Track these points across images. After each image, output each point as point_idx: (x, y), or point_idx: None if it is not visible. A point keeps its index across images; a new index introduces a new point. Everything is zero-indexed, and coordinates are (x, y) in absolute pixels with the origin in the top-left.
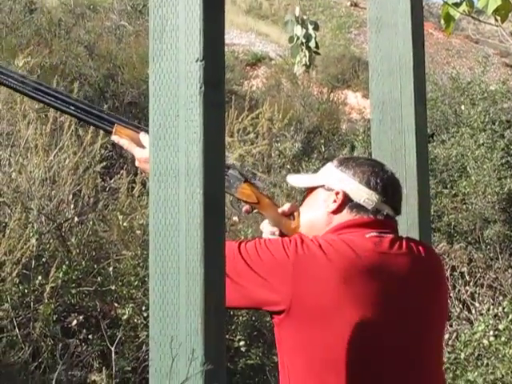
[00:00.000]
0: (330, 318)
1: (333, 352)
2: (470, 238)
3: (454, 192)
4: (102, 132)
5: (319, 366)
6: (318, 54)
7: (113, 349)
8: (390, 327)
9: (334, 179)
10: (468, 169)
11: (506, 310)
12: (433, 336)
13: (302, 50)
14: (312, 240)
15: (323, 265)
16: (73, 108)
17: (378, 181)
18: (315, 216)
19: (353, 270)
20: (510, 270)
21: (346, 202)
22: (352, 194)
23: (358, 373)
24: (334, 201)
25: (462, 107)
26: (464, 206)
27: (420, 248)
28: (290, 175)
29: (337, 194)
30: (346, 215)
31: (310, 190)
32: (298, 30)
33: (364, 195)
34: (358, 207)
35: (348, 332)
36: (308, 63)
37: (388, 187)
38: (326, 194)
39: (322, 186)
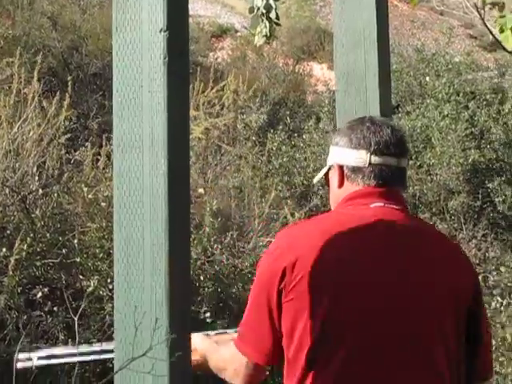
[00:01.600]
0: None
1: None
2: (434, 209)
3: (418, 163)
4: (66, 103)
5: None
6: (279, 25)
7: (76, 321)
8: (373, 305)
9: (331, 156)
10: (433, 140)
11: None
12: (434, 316)
13: (262, 20)
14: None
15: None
16: None
17: (359, 136)
18: (332, 198)
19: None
20: (473, 241)
21: (343, 171)
22: (343, 161)
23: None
24: (337, 176)
25: (427, 78)
26: (429, 177)
27: (420, 224)
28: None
29: (333, 167)
30: (349, 186)
31: (326, 180)
32: (258, 1)
33: (352, 157)
34: (354, 171)
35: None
36: (268, 34)
37: (371, 136)
38: (332, 173)
39: (329, 169)
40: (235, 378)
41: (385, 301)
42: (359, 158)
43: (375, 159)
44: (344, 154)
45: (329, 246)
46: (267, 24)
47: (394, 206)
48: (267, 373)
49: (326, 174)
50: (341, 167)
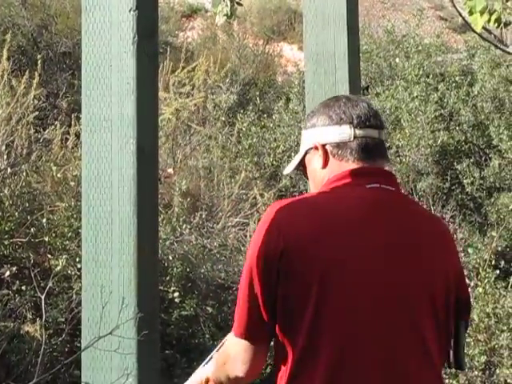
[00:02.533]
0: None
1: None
2: (403, 190)
3: (388, 144)
4: (35, 82)
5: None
6: (240, 4)
7: (43, 299)
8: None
9: (307, 140)
10: (402, 121)
11: None
12: (420, 295)
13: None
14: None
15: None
16: None
17: (338, 111)
18: (314, 180)
19: (329, 225)
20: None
21: (326, 150)
22: (326, 139)
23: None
24: (320, 156)
25: (397, 60)
26: (398, 159)
27: (410, 203)
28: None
29: (315, 148)
30: (336, 163)
31: (302, 165)
32: None
33: (336, 133)
34: (340, 147)
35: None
36: (229, 13)
37: (351, 111)
38: (312, 156)
39: (306, 154)
40: (237, 366)
41: (385, 289)
42: (343, 132)
43: (359, 132)
44: (325, 132)
45: (327, 230)
46: (228, 3)
47: (390, 188)
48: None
49: (302, 161)
50: (323, 146)
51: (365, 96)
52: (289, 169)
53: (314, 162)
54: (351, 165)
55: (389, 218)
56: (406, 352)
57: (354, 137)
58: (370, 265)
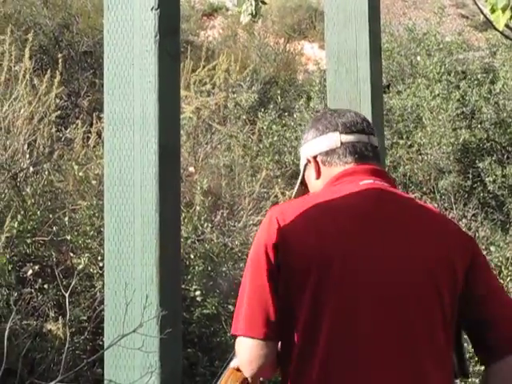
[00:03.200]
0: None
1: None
2: (425, 189)
3: (409, 143)
4: (56, 81)
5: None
6: (265, 3)
7: (67, 297)
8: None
9: (302, 157)
10: (423, 119)
11: None
12: (425, 293)
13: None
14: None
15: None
16: None
17: (325, 122)
18: (312, 190)
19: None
20: (464, 220)
21: (317, 161)
22: (316, 151)
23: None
24: (313, 168)
25: (418, 58)
26: (419, 157)
27: (400, 199)
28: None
29: (308, 162)
30: (327, 171)
31: (303, 179)
32: None
33: (324, 143)
34: (328, 154)
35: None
36: (254, 13)
37: (337, 120)
38: (308, 171)
39: (305, 169)
40: (247, 366)
41: (378, 277)
42: (330, 140)
43: (346, 137)
44: (314, 144)
45: (316, 223)
46: (253, 2)
47: (384, 183)
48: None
49: (303, 181)
50: (315, 157)
51: (386, 94)
52: (294, 191)
53: (310, 175)
54: (340, 168)
55: (383, 210)
56: (416, 352)
57: (341, 143)
58: (366, 256)
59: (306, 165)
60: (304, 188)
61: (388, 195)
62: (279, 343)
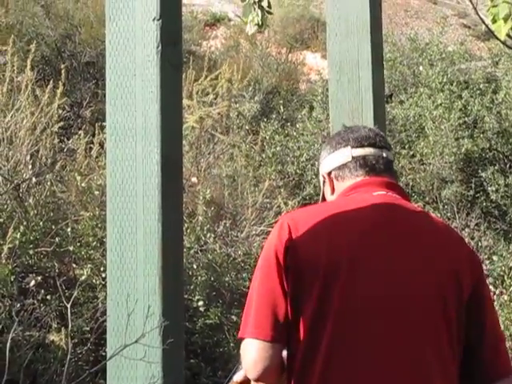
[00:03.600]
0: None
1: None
2: (427, 198)
3: (411, 153)
4: (59, 92)
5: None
6: (271, 13)
7: (69, 308)
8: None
9: (320, 172)
10: (426, 129)
11: None
12: (430, 307)
13: (254, 9)
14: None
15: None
16: None
17: (337, 138)
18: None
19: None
20: (466, 230)
21: (332, 177)
22: (330, 167)
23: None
24: (328, 184)
25: (421, 68)
26: (422, 167)
27: (409, 212)
28: None
29: (324, 179)
30: (340, 185)
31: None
32: None
33: (336, 159)
34: (341, 169)
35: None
36: (260, 23)
37: (349, 135)
38: (325, 187)
39: (323, 186)
40: (252, 368)
41: (385, 288)
42: (342, 155)
43: (356, 151)
44: (328, 161)
45: (326, 231)
46: (259, 13)
47: (396, 196)
48: (283, 355)
49: (323, 198)
50: (329, 174)
51: (388, 104)
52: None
53: (326, 191)
54: (352, 181)
55: (395, 220)
56: (417, 354)
57: (352, 157)
58: (373, 265)
59: (323, 182)
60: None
61: (399, 208)
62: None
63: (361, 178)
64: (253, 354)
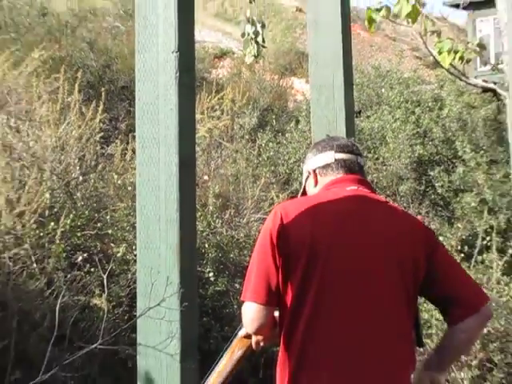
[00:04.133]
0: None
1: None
2: (388, 192)
3: (376, 156)
4: (100, 109)
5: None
6: (265, 47)
7: (105, 278)
8: (334, 257)
9: (305, 171)
10: (387, 138)
11: None
12: (384, 270)
13: (251, 43)
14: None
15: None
16: None
17: (323, 144)
18: (312, 193)
19: (313, 214)
20: (418, 217)
21: (316, 172)
22: (315, 165)
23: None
24: (312, 178)
25: (383, 90)
26: (384, 167)
27: (375, 201)
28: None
29: (309, 174)
30: (323, 180)
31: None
32: (248, 28)
33: (322, 159)
34: (325, 168)
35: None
36: (256, 54)
37: (333, 142)
38: (309, 181)
39: (306, 180)
40: (248, 325)
41: (356, 262)
42: (327, 157)
43: (338, 155)
44: (315, 160)
45: (310, 218)
46: (255, 46)
47: (363, 189)
48: (275, 316)
49: (304, 190)
50: (314, 170)
51: (357, 118)
52: (299, 197)
53: (310, 184)
54: (333, 177)
55: (363, 211)
56: (383, 321)
57: (335, 159)
58: (348, 246)
59: (307, 177)
60: (304, 195)
61: (368, 198)
62: (277, 310)
63: (340, 175)
64: (251, 313)
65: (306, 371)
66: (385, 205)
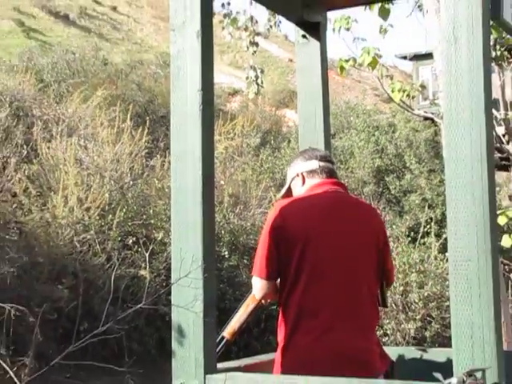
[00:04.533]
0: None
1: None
2: (355, 192)
3: (346, 166)
4: (145, 133)
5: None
6: (262, 87)
7: (147, 256)
8: (325, 243)
9: (292, 173)
10: (354, 153)
11: None
12: (361, 250)
13: (253, 84)
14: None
15: (288, 210)
16: None
17: (309, 153)
18: (298, 193)
19: (307, 211)
20: (377, 211)
21: (303, 175)
22: (302, 169)
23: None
24: (300, 179)
25: (351, 118)
26: (352, 174)
27: (352, 198)
28: (278, 195)
29: (297, 175)
30: (309, 182)
31: (287, 191)
32: (251, 73)
33: (308, 165)
34: (311, 173)
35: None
36: (256, 92)
37: (316, 153)
38: (295, 181)
39: (291, 181)
40: (257, 293)
41: (338, 247)
42: (312, 164)
43: (321, 164)
44: (302, 165)
45: (303, 212)
46: (256, 86)
47: (340, 190)
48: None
49: (288, 188)
50: (302, 173)
51: (332, 139)
52: (281, 193)
53: (297, 183)
54: (317, 180)
55: (342, 206)
56: (358, 287)
57: (319, 166)
58: (332, 232)
59: (293, 178)
60: (287, 192)
61: (343, 197)
62: (278, 282)
63: (323, 179)
64: (257, 285)
65: (304, 320)
66: (356, 201)
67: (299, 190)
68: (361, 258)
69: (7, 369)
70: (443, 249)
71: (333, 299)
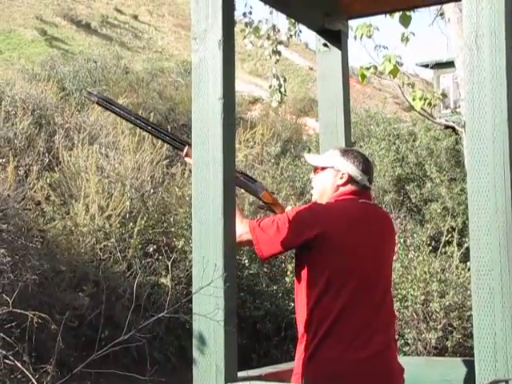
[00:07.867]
0: (343, 249)
1: (343, 270)
2: (376, 201)
3: None
4: None
5: (335, 281)
6: (285, 95)
7: (169, 264)
8: (367, 255)
9: (340, 164)
10: (375, 162)
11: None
12: (387, 262)
13: (276, 93)
14: (320, 204)
15: (334, 214)
16: (151, 128)
17: (365, 167)
18: (327, 186)
19: (351, 220)
20: (398, 220)
21: (349, 180)
22: (352, 174)
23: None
24: (341, 177)
25: (372, 127)
26: (373, 184)
27: (381, 211)
28: (307, 154)
29: (343, 174)
30: (348, 187)
31: (321, 168)
32: (274, 82)
33: (359, 176)
34: (356, 183)
35: (350, 257)
36: (280, 101)
37: (370, 170)
38: (335, 173)
39: (332, 167)
40: (239, 237)
41: (367, 255)
42: (363, 178)
43: (366, 182)
44: (355, 171)
45: (339, 220)
46: (279, 95)
47: (370, 202)
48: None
49: (322, 168)
50: (350, 175)
51: (353, 146)
52: (313, 161)
53: (337, 178)
54: (353, 188)
55: (371, 218)
56: (385, 297)
57: (363, 183)
58: (365, 244)
59: (338, 170)
60: (317, 170)
61: (373, 208)
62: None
63: (358, 189)
64: (255, 245)
65: (334, 330)
66: (382, 212)
67: (330, 187)
68: (385, 271)
69: (30, 376)
70: (465, 258)
71: (364, 311)
